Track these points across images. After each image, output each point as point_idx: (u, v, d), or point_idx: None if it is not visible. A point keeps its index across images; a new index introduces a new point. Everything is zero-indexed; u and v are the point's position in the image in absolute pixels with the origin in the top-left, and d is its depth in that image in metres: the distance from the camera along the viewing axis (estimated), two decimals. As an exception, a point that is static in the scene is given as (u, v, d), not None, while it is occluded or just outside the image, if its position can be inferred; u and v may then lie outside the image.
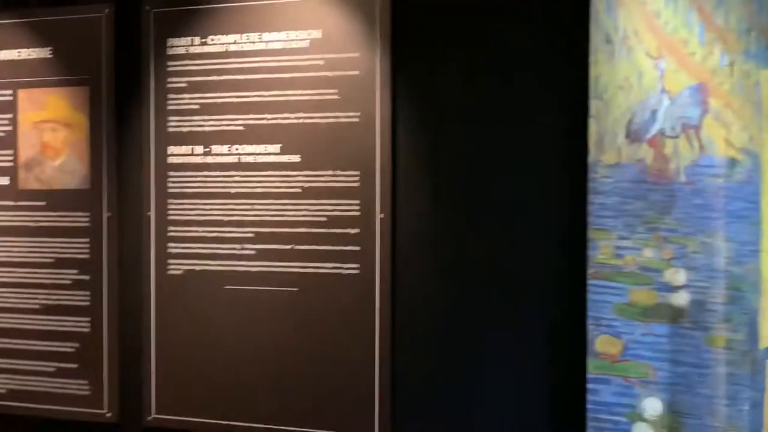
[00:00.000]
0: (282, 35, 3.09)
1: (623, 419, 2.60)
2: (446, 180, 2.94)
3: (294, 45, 3.08)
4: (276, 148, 3.04)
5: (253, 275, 3.00)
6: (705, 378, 2.56)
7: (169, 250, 3.16)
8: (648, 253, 2.63)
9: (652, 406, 2.57)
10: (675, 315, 2.61)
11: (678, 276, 2.60)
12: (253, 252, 3.01)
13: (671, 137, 2.49)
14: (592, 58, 2.66)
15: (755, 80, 2.51)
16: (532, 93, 2.86)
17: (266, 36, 3.11)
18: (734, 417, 2.44)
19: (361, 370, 2.89)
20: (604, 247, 2.66)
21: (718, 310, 2.57)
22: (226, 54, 3.13)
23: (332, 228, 2.94)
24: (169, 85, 3.18)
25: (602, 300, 2.67)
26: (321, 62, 3.04)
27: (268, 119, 3.08)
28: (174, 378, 3.14)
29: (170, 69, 3.18)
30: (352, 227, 2.94)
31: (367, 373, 2.88)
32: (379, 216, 2.93)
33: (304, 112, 3.03)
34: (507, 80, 2.89)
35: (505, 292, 2.89)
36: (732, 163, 2.52)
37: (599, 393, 2.64)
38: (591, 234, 2.67)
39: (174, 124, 3.18)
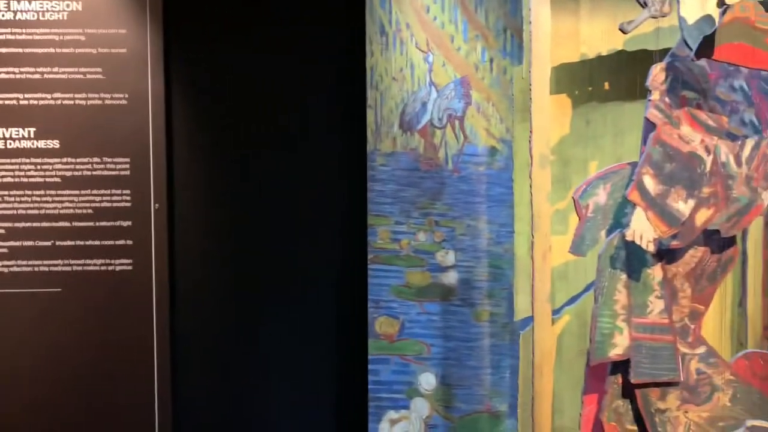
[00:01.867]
0: (34, 5, 2.74)
1: (402, 396, 2.74)
2: (225, 166, 2.84)
3: (49, 17, 2.75)
4: (29, 132, 2.71)
5: (6, 277, 2.66)
6: (472, 351, 2.78)
7: None
8: (422, 237, 2.78)
9: (427, 380, 2.74)
10: (446, 293, 2.80)
11: (448, 257, 2.79)
12: (5, 250, 2.66)
13: (439, 128, 2.64)
14: (368, 49, 2.72)
15: (510, 76, 2.75)
16: (312, 79, 2.86)
17: (15, 5, 2.74)
18: (497, 384, 2.68)
19: (136, 377, 2.70)
20: (382, 233, 2.76)
21: (482, 287, 2.81)
22: (-36, 23, 2.71)
23: (100, 221, 2.70)
24: None
25: (381, 283, 2.77)
26: (82, 38, 2.75)
27: (20, 100, 2.73)
28: None
29: None
30: (124, 219, 2.72)
31: (144, 383, 2.69)
32: (153, 206, 2.75)
33: (63, 92, 2.73)
34: (287, 65, 2.85)
35: (289, 280, 2.88)
36: (492, 151, 2.74)
37: (379, 373, 2.75)
38: (370, 220, 2.75)
39: None
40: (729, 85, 1.70)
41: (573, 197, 1.86)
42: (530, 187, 2.07)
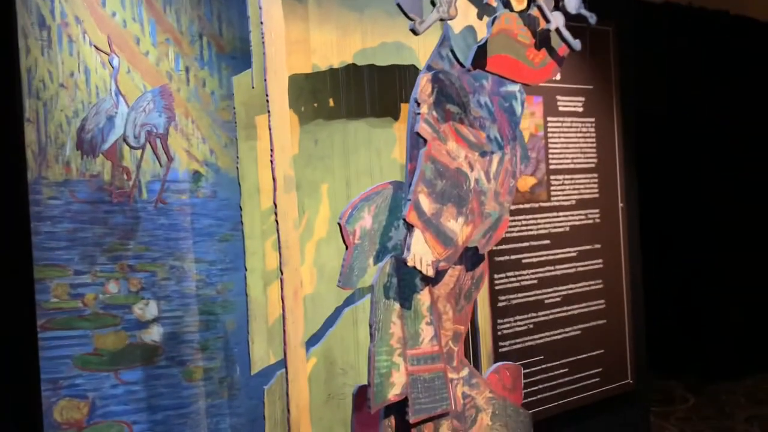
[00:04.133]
0: None
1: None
2: None
3: None
4: None
5: None
6: (186, 418, 2.29)
7: None
8: (112, 288, 2.18)
9: (136, 471, 2.15)
10: (149, 354, 2.25)
11: (148, 309, 2.25)
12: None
13: (136, 147, 2.11)
14: (21, 45, 2.04)
15: (211, 89, 2.37)
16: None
17: None
18: (225, 454, 2.24)
19: None
20: (57, 288, 2.08)
21: (193, 340, 2.34)
22: None
23: None
24: None
25: (60, 355, 2.09)
26: None
27: None
28: None
29: None
30: None
31: None
32: None
33: None
34: None
35: None
36: (196, 176, 2.31)
37: (69, 476, 2.06)
38: (39, 273, 2.05)
39: None
40: (476, 101, 1.65)
41: (339, 223, 1.59)
42: (275, 214, 1.74)
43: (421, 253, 1.54)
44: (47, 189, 2.06)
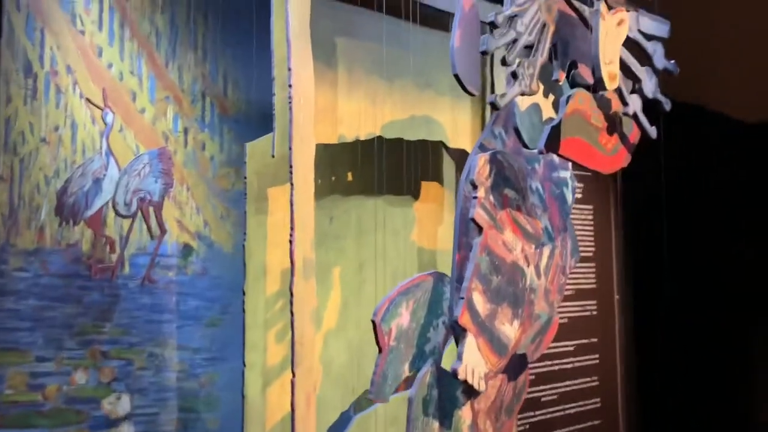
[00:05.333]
0: None
1: None
2: None
3: None
4: None
5: None
6: None
7: None
8: (80, 378, 1.86)
9: None
10: (115, 460, 1.90)
11: (120, 404, 1.92)
12: None
13: (125, 216, 1.83)
14: (1, 91, 1.78)
15: (211, 154, 2.13)
16: None
17: None
18: None
19: None
20: (14, 377, 1.74)
21: (168, 442, 2.00)
22: None
23: None
24: None
25: (9, 460, 1.73)
26: None
27: None
28: None
29: None
30: None
31: None
32: None
33: None
34: None
35: None
36: (186, 251, 2.04)
37: None
38: (-7, 358, 1.72)
39: None
40: (529, 186, 1.47)
41: (374, 321, 1.35)
42: (291, 304, 1.48)
43: (474, 363, 1.30)
44: (15, 258, 1.76)
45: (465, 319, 1.29)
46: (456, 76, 1.30)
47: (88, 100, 1.82)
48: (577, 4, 1.31)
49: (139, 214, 1.82)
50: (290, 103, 1.50)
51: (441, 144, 1.98)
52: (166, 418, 1.98)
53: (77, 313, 1.85)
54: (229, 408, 2.10)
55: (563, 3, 1.28)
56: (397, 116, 1.83)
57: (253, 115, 2.21)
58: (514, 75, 1.16)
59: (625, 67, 1.32)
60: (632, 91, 1.34)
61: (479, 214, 1.32)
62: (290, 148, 1.50)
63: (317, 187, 1.66)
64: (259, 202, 1.67)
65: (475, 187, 1.33)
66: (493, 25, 1.16)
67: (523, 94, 1.18)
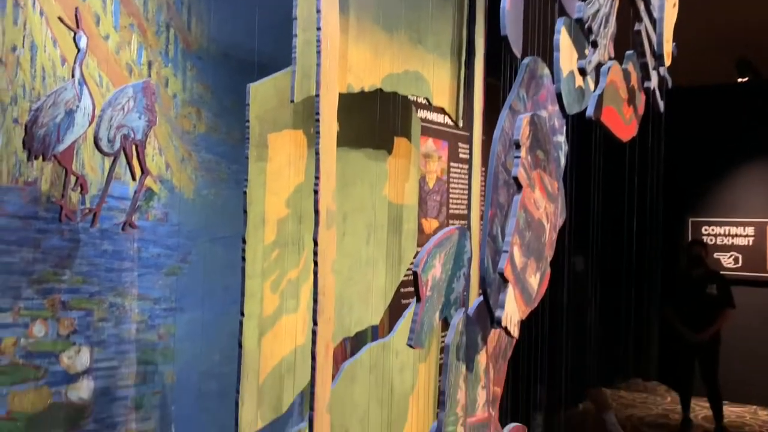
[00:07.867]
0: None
1: None
2: None
3: None
4: None
5: None
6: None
7: None
8: (38, 330, 1.66)
9: None
10: (74, 417, 1.74)
11: (79, 358, 1.75)
12: None
13: (107, 154, 1.64)
14: (-49, -1, 1.50)
15: (173, 92, 1.96)
16: None
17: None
18: None
19: None
20: (-33, 330, 1.52)
21: (127, 397, 1.86)
22: None
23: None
24: None
25: (-39, 422, 1.52)
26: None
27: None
28: None
29: None
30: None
31: None
32: None
33: None
34: None
35: None
36: (148, 194, 1.88)
37: None
38: (-54, 309, 1.49)
39: None
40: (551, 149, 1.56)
41: (415, 272, 1.37)
42: (315, 254, 1.44)
43: (512, 311, 1.38)
44: (-34, 196, 1.52)
45: (508, 271, 1.37)
46: (504, 38, 1.34)
47: (61, 20, 1.60)
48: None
49: (122, 153, 1.64)
50: (318, 47, 1.45)
51: (411, 102, 2.02)
52: (124, 371, 1.84)
53: (35, 259, 1.65)
54: (184, 360, 2.00)
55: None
56: (395, 69, 1.82)
57: (213, 52, 2.06)
58: (594, 44, 1.23)
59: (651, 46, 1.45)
60: (653, 68, 1.48)
61: (521, 174, 1.39)
62: (317, 95, 1.46)
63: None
64: (259, 148, 1.60)
65: (518, 146, 1.39)
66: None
67: (600, 64, 1.26)
